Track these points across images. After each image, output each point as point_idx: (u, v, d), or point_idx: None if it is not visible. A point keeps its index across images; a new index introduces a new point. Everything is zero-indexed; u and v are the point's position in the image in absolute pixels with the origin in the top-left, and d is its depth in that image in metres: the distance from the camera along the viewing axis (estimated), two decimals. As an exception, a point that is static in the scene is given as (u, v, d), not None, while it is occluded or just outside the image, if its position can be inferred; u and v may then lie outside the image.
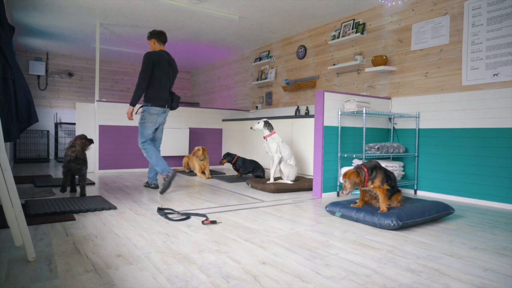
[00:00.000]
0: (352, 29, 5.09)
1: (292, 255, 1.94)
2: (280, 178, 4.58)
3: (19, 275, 1.60)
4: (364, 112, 3.78)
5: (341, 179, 2.80)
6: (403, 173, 4.27)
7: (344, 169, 3.88)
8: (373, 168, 2.78)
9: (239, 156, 5.28)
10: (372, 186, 2.77)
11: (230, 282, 1.57)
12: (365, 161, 3.09)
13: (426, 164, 4.14)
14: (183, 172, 5.84)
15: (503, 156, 3.48)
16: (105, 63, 8.86)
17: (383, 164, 3.93)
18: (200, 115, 6.64)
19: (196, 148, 5.31)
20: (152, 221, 2.63)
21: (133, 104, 3.86)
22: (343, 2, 4.73)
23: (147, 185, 4.20)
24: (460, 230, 2.58)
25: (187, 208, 3.09)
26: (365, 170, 2.76)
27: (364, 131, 3.80)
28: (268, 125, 4.38)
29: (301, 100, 6.12)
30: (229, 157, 5.26)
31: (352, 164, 3.95)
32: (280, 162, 4.35)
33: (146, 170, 5.98)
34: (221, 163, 5.33)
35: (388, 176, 2.80)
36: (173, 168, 6.22)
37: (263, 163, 5.51)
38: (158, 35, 4.03)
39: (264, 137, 4.38)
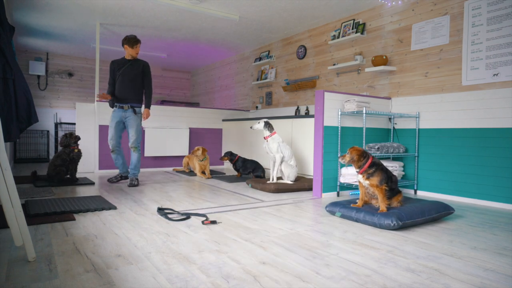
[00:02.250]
0: (352, 29, 5.09)
1: (292, 255, 1.93)
2: (280, 178, 4.58)
3: (19, 275, 1.60)
4: (364, 112, 3.78)
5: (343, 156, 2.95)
6: (403, 173, 4.27)
7: (345, 168, 3.89)
8: (376, 165, 2.79)
9: (240, 156, 5.29)
10: (368, 183, 2.79)
11: (230, 282, 1.57)
12: (376, 157, 3.18)
13: (426, 164, 4.14)
14: (183, 172, 5.84)
15: (503, 156, 3.48)
16: (105, 63, 8.85)
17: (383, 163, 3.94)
18: (200, 115, 6.64)
19: (195, 148, 5.31)
20: (152, 221, 2.63)
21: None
22: (343, 2, 4.73)
23: (134, 181, 4.40)
24: (460, 230, 2.58)
25: (187, 208, 3.09)
26: (369, 161, 2.80)
27: (364, 131, 3.80)
28: (268, 125, 4.37)
29: (301, 100, 6.12)
30: (231, 156, 5.26)
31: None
32: (281, 162, 4.35)
33: (146, 170, 5.99)
34: (222, 160, 5.33)
35: (389, 177, 2.81)
36: (174, 168, 6.23)
37: (263, 163, 5.51)
38: None
39: (264, 138, 4.38)
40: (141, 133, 4.38)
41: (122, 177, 4.52)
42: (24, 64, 7.83)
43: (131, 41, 4.30)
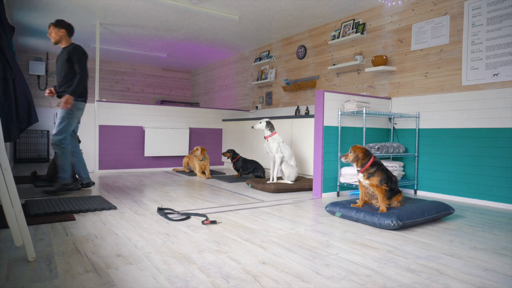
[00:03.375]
0: (352, 29, 5.09)
1: (292, 255, 1.93)
2: (280, 178, 4.58)
3: (19, 275, 1.60)
4: (364, 112, 3.78)
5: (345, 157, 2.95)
6: (403, 173, 4.27)
7: (345, 168, 3.89)
8: (377, 165, 2.80)
9: (240, 156, 5.29)
10: (368, 182, 2.79)
11: (230, 282, 1.57)
12: (378, 157, 3.19)
13: (426, 164, 4.14)
14: (183, 172, 5.84)
15: (503, 156, 3.48)
16: (105, 63, 8.86)
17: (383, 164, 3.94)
18: (200, 115, 6.64)
19: (195, 148, 5.31)
20: (152, 221, 2.63)
21: (76, 95, 3.66)
22: (343, 2, 4.73)
23: (85, 185, 3.96)
24: (460, 230, 2.58)
25: (187, 208, 3.09)
26: (371, 160, 2.81)
27: (364, 131, 3.80)
28: (269, 125, 4.37)
29: (301, 100, 6.12)
30: (233, 154, 5.26)
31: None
32: (281, 162, 4.35)
33: (146, 170, 5.99)
34: (224, 155, 5.34)
35: (389, 178, 2.81)
36: (174, 168, 6.23)
37: (263, 163, 5.51)
38: (71, 28, 3.80)
39: (265, 137, 4.38)
40: (65, 126, 3.64)
41: (83, 184, 3.92)
42: (24, 64, 7.83)
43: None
